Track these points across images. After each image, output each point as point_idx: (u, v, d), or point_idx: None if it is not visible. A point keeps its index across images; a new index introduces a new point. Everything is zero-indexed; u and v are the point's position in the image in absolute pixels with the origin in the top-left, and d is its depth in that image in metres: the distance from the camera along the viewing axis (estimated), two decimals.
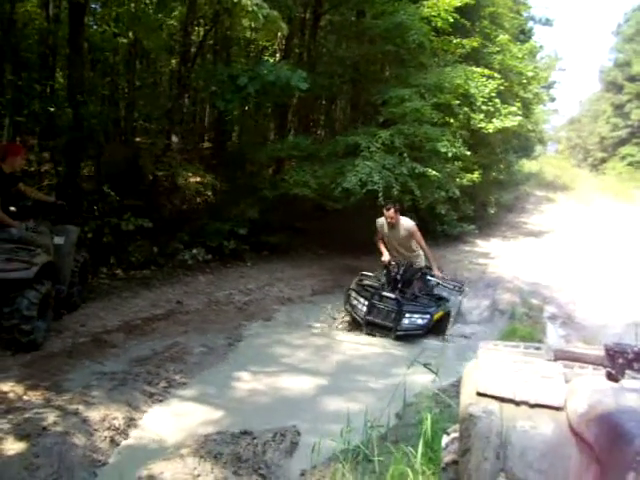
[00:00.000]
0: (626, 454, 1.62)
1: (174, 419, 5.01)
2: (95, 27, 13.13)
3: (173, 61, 15.45)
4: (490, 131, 16.37)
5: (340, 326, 8.55)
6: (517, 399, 2.26)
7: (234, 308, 8.94)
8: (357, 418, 4.28)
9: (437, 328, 8.25)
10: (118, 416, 4.79)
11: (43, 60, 12.63)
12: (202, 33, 14.78)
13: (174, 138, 13.25)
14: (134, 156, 12.05)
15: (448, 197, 15.06)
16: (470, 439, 2.30)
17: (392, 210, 8.67)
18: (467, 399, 2.42)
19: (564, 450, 2.13)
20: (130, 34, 12.91)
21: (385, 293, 8.23)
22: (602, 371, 1.83)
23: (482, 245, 18.19)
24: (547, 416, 2.20)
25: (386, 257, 8.86)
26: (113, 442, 4.44)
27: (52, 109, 9.75)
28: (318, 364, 6.78)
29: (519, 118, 17.24)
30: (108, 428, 4.58)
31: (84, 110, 10.16)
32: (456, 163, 15.21)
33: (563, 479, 2.12)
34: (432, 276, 8.78)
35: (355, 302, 8.30)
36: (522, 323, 9.32)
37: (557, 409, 2.19)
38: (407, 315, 7.98)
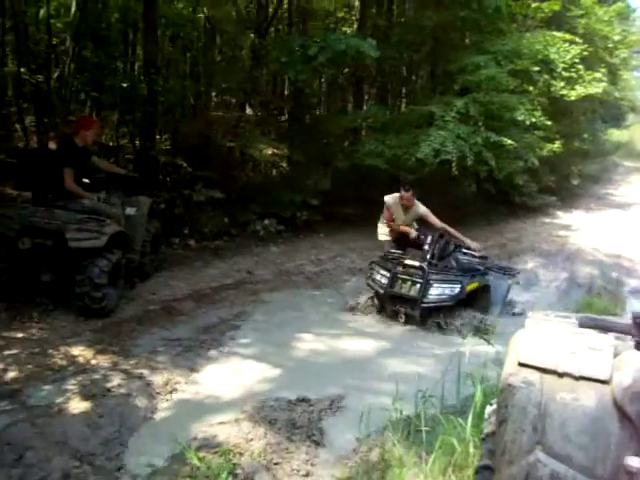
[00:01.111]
0: None
1: (233, 376, 5.15)
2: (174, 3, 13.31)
3: (252, 35, 15.52)
4: (572, 99, 15.67)
5: (362, 308, 7.51)
6: (560, 370, 2.18)
7: (304, 278, 8.98)
8: (414, 385, 4.29)
9: (475, 303, 7.30)
10: (180, 380, 4.95)
11: (124, 37, 12.92)
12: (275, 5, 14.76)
13: (248, 110, 13.34)
14: (209, 129, 12.22)
15: (527, 167, 14.63)
16: (507, 410, 2.23)
17: (411, 192, 7.90)
18: (508, 369, 2.34)
19: (607, 425, 2.03)
20: (205, 9, 13.02)
21: (408, 261, 7.29)
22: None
23: (564, 217, 17.59)
24: (591, 389, 2.11)
25: (413, 233, 7.97)
26: (173, 402, 4.57)
27: (125, 85, 9.96)
28: (383, 329, 6.85)
29: (604, 84, 16.46)
30: (170, 391, 4.73)
31: (157, 85, 10.35)
32: (536, 132, 14.74)
33: (604, 455, 2.02)
34: (468, 250, 7.90)
35: (377, 276, 7.38)
36: (600, 297, 9.04)
37: (603, 382, 2.10)
38: (435, 285, 7.02)
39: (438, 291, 7.00)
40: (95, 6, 11.45)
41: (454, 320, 6.95)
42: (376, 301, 7.44)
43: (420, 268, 7.11)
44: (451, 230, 7.94)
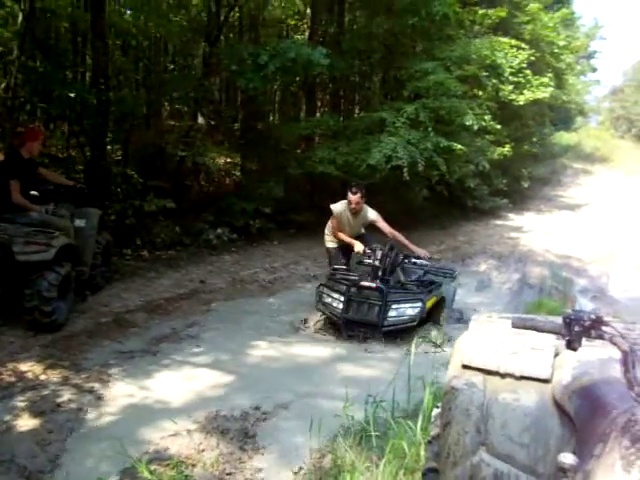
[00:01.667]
0: (600, 426, 1.56)
1: (186, 385, 5.13)
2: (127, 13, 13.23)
3: (203, 43, 15.46)
4: (521, 103, 16.08)
5: (312, 330, 7.08)
6: (502, 371, 2.21)
7: (259, 286, 8.98)
8: (366, 389, 4.34)
9: (431, 316, 6.95)
10: (132, 392, 4.91)
11: (73, 47, 12.76)
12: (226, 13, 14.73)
13: (200, 119, 13.29)
14: (160, 138, 12.14)
15: (478, 171, 14.88)
16: (451, 412, 2.26)
17: (359, 194, 7.42)
18: (452, 372, 2.38)
19: (547, 424, 2.08)
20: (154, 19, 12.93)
21: (364, 283, 6.76)
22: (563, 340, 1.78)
23: (515, 219, 17.94)
24: (532, 389, 2.15)
25: (359, 246, 7.44)
26: (124, 415, 4.51)
27: (72, 95, 9.83)
28: (337, 335, 6.80)
29: (551, 89, 16.86)
30: (121, 405, 4.68)
31: (107, 95, 10.24)
32: (486, 137, 15.02)
33: (545, 453, 2.06)
34: (417, 259, 7.54)
35: (329, 299, 6.85)
36: (551, 297, 9.22)
37: (544, 382, 2.14)
38: (394, 306, 6.60)
39: (398, 312, 6.63)
40: (43, 15, 11.29)
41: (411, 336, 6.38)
42: (327, 325, 7.04)
43: (377, 289, 6.67)
44: (400, 237, 7.58)
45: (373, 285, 6.70)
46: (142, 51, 14.12)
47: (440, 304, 7.08)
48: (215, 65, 12.97)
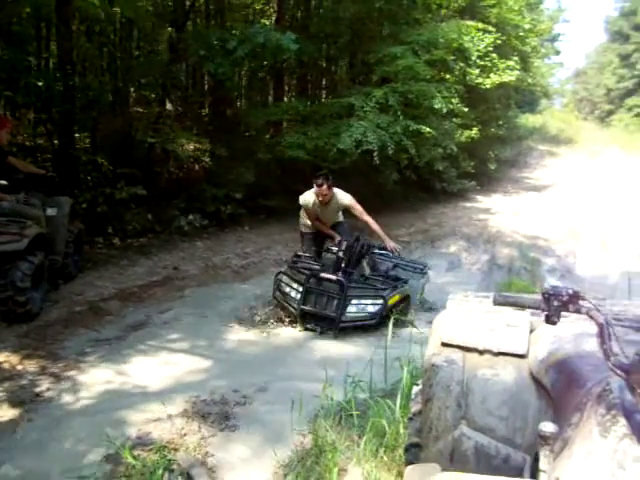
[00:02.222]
0: (576, 396, 1.65)
1: (164, 370, 5.18)
2: None
3: (170, 29, 15.28)
4: (487, 86, 16.22)
5: (266, 318, 6.70)
6: (480, 348, 2.30)
7: (231, 272, 9.00)
8: (343, 370, 4.44)
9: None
10: (110, 379, 4.95)
11: (37, 33, 12.54)
12: None
13: (169, 105, 13.19)
14: (129, 125, 12.03)
15: (447, 154, 15.02)
16: (432, 388, 2.34)
17: (325, 185, 7.13)
18: (432, 350, 2.46)
19: (525, 397, 2.17)
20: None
21: (324, 275, 6.49)
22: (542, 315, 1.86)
23: (483, 201, 18.12)
24: (509, 364, 2.24)
25: (337, 237, 7.31)
26: (104, 402, 4.54)
27: (40, 82, 9.69)
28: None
29: (517, 72, 17.04)
30: (101, 392, 4.71)
31: (73, 82, 10.12)
32: (454, 120, 15.14)
33: (523, 425, 2.16)
34: (384, 250, 7.41)
35: (287, 289, 6.61)
36: (519, 276, 9.39)
37: (520, 357, 2.23)
38: (354, 301, 6.35)
39: (358, 308, 6.37)
40: (4, 0, 11.08)
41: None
42: (284, 316, 6.68)
43: (337, 282, 6.38)
44: (374, 225, 7.38)
45: (333, 277, 6.42)
46: (107, 37, 13.91)
47: (405, 302, 6.75)
48: (182, 51, 12.87)
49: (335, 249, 7.03)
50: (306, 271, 6.67)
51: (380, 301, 6.32)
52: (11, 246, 5.99)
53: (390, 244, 7.40)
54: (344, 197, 7.40)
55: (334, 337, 6.17)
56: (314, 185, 7.21)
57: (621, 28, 51.08)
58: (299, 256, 7.32)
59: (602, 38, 71.17)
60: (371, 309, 6.34)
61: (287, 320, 6.60)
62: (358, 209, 7.35)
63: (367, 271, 7.12)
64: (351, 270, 6.71)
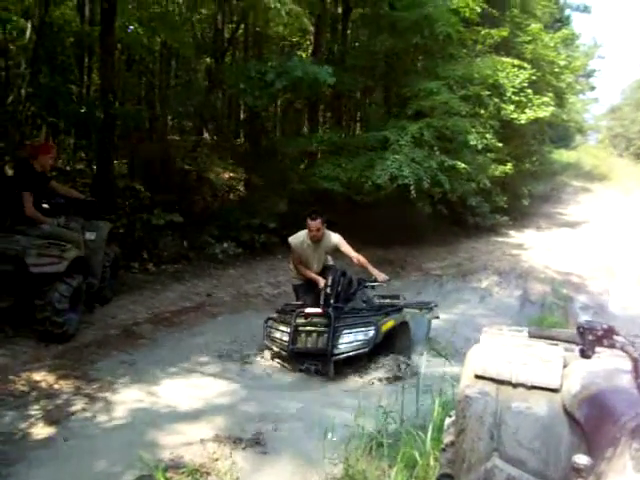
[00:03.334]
0: (610, 431, 1.67)
1: (195, 393, 5.23)
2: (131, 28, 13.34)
3: (208, 59, 15.59)
4: (522, 122, 16.23)
5: (262, 360, 6.43)
6: (514, 381, 2.31)
7: (263, 300, 9.10)
8: (375, 400, 4.42)
9: (394, 344, 6.36)
10: (143, 401, 5.02)
11: (80, 62, 12.89)
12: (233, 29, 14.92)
13: (205, 134, 13.42)
14: (166, 153, 12.26)
15: (480, 189, 15.02)
16: (465, 420, 2.35)
17: (319, 220, 6.74)
18: (465, 381, 2.47)
19: (557, 430, 2.17)
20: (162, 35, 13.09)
21: (310, 310, 6.22)
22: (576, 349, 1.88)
23: (515, 236, 18.04)
24: (543, 397, 2.25)
25: (322, 282, 6.64)
26: (137, 424, 4.59)
27: (83, 110, 9.96)
28: None
29: (552, 108, 17.03)
30: (133, 414, 4.76)
31: (114, 110, 10.37)
32: (488, 155, 15.16)
33: (555, 458, 2.16)
34: (374, 283, 6.92)
35: (277, 334, 6.31)
36: (552, 313, 9.31)
37: (554, 391, 2.24)
38: (345, 332, 6.04)
39: (349, 338, 6.05)
40: (51, 30, 11.43)
41: (375, 369, 6.06)
42: (278, 361, 6.36)
43: (324, 315, 6.12)
44: (363, 261, 6.91)
45: (319, 310, 6.17)
46: (146, 66, 14.26)
47: (404, 332, 6.56)
48: (219, 81, 13.12)
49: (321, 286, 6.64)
50: (292, 311, 6.41)
51: (372, 327, 6.02)
52: (51, 268, 6.12)
53: (380, 277, 6.86)
54: (333, 236, 7.02)
55: (330, 378, 5.92)
56: (308, 219, 6.81)
57: None
58: (287, 304, 7.02)
59: (638, 74, 70.71)
60: (362, 337, 6.03)
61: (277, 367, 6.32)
62: (347, 247, 6.98)
63: (360, 305, 6.83)
64: (341, 305, 6.37)
